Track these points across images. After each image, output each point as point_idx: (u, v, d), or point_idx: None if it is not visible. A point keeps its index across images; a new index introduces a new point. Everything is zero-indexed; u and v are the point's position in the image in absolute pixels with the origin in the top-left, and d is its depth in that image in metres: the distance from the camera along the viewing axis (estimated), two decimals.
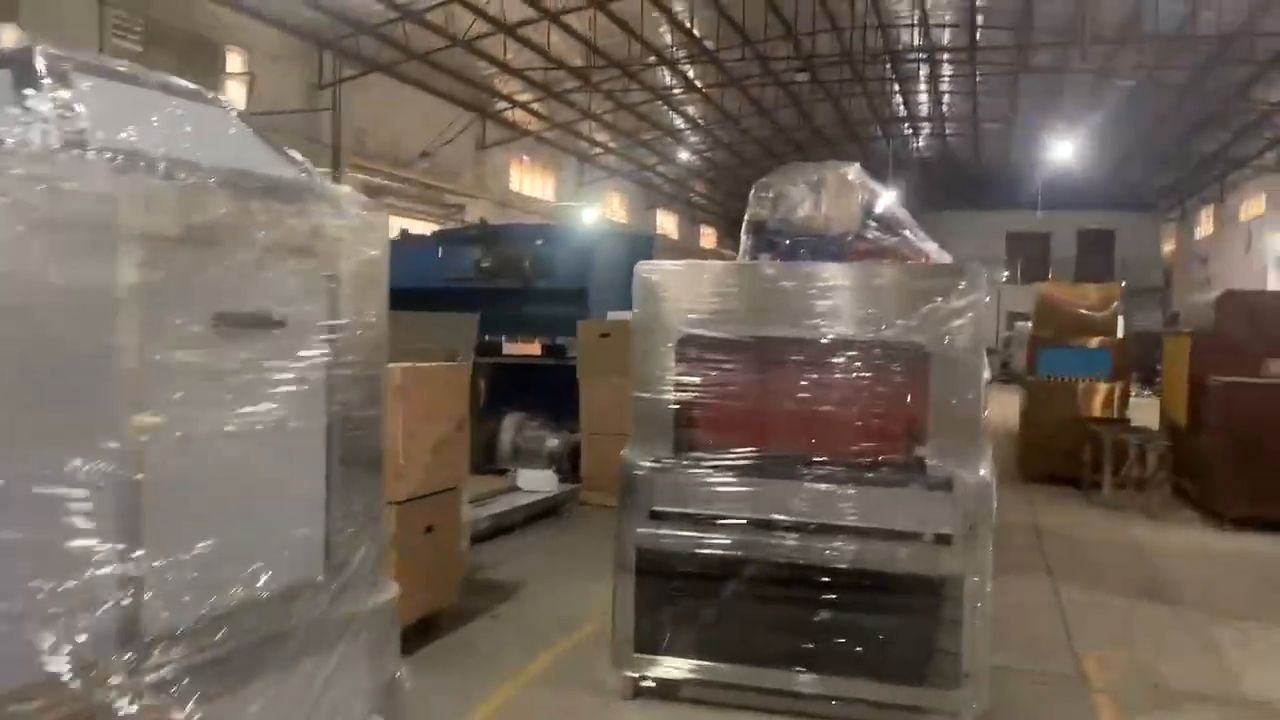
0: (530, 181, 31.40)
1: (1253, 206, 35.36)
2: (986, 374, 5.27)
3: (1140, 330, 30.45)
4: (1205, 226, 42.91)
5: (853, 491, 4.49)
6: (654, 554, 4.72)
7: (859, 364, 4.53)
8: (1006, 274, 45.20)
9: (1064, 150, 29.83)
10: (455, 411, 5.63)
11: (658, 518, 4.71)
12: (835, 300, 4.50)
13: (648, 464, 4.71)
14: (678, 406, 4.70)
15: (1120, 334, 12.69)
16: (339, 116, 20.93)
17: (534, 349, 12.69)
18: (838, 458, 4.56)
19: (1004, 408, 12.58)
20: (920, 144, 42.17)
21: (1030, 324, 13.85)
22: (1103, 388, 11.90)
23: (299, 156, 2.94)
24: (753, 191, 5.78)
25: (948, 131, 39.82)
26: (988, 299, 4.94)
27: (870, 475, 4.49)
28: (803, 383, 4.61)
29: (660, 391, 4.70)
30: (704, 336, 4.67)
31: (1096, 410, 11.86)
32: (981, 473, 4.39)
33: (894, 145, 38.87)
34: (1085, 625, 6.23)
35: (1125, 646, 5.85)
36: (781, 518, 4.56)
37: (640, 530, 4.72)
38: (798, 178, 5.71)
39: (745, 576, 4.80)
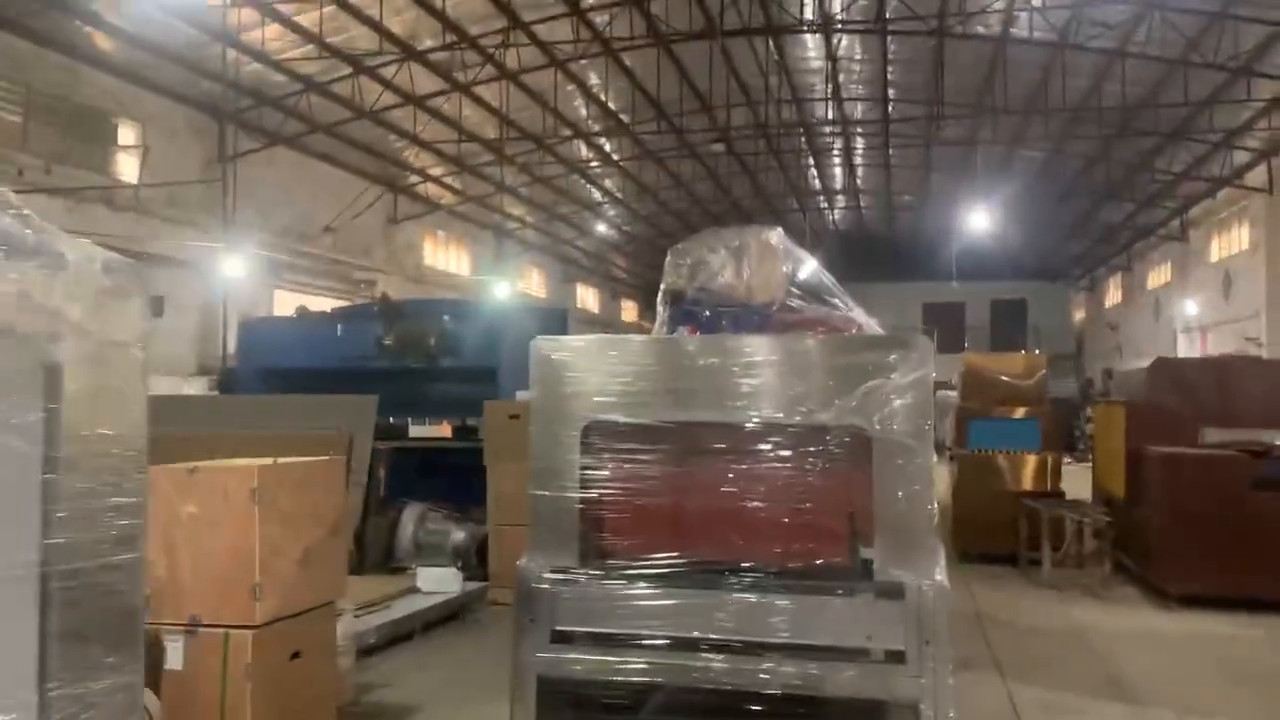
0: (445, 256, 30.74)
1: (1159, 274, 36.27)
2: (933, 456, 4.72)
3: (1057, 398, 30.67)
4: (1114, 295, 44.02)
5: (787, 603, 3.82)
6: (559, 682, 3.98)
7: (791, 452, 3.90)
8: None
9: (976, 221, 30.22)
10: (328, 513, 4.85)
11: (562, 639, 3.98)
12: (762, 378, 3.88)
13: (549, 575, 3.99)
14: (584, 506, 4.01)
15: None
16: (233, 189, 20.06)
17: (443, 431, 11.91)
18: (770, 563, 3.90)
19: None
20: (836, 216, 42.69)
21: (952, 393, 13.52)
22: (1034, 459, 11.50)
23: (11, 199, 2.19)
24: (668, 258, 5.20)
25: (863, 204, 40.38)
26: (933, 374, 4.40)
27: (808, 583, 3.83)
28: (728, 476, 3.96)
29: (563, 489, 4.01)
30: (613, 423, 4.01)
31: (1029, 483, 11.45)
32: (937, 576, 3.76)
33: (810, 218, 39.20)
34: None
35: None
36: (707, 636, 3.87)
37: (541, 655, 3.98)
38: (717, 243, 5.14)
39: (667, 706, 4.10)
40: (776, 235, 5.10)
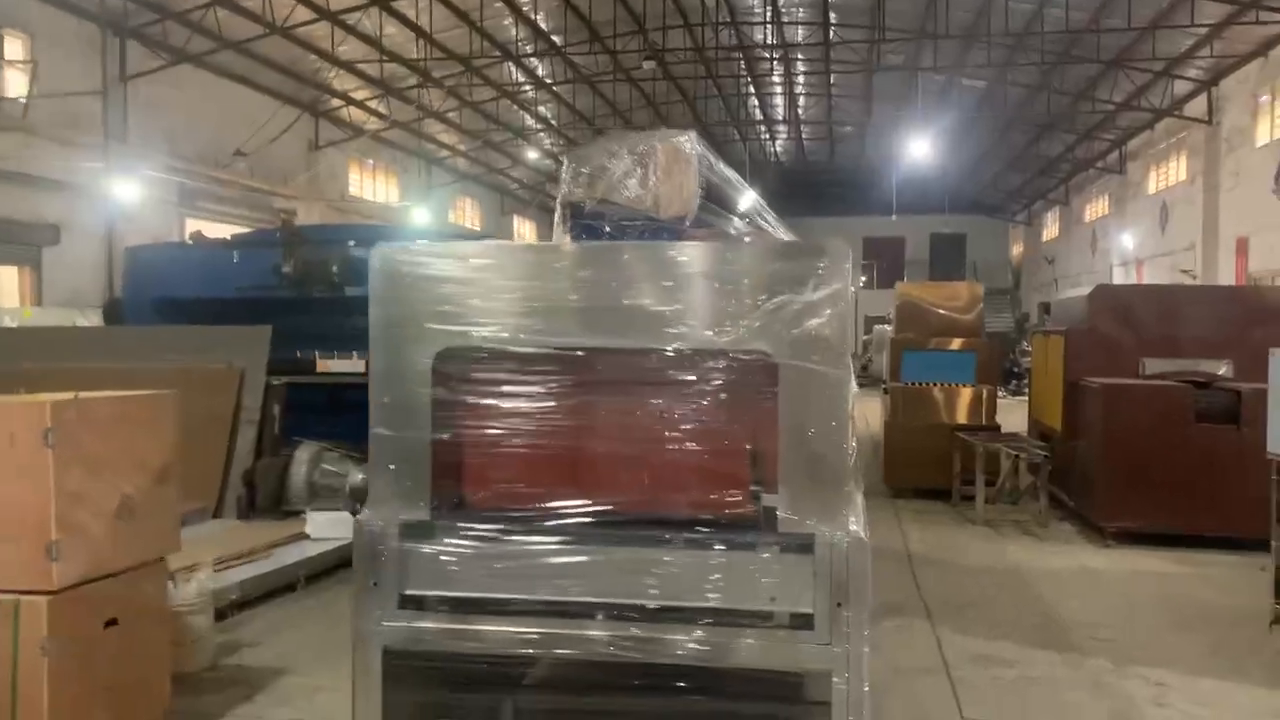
0: (372, 185, 29.53)
1: (1097, 207, 36.21)
2: (853, 386, 4.13)
3: (993, 332, 30.62)
4: (1051, 229, 44.04)
5: (675, 560, 3.23)
6: (410, 656, 3.36)
7: (682, 383, 3.28)
8: (864, 279, 45.55)
9: (917, 151, 29.70)
10: (154, 457, 4.14)
11: (412, 605, 3.36)
12: (647, 294, 3.24)
13: (396, 530, 3.35)
14: (437, 448, 3.35)
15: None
16: (124, 106, 18.76)
17: (355, 365, 11.13)
18: (656, 513, 3.29)
19: (865, 414, 11.69)
20: (777, 148, 41.95)
21: (889, 327, 13.05)
22: (969, 392, 11.08)
23: None
24: (565, 165, 4.51)
25: (804, 135, 39.68)
26: (854, 289, 3.79)
27: (700, 537, 3.23)
28: (608, 411, 3.33)
29: (411, 427, 3.34)
30: (471, 348, 3.34)
31: (964, 416, 11.03)
32: (853, 527, 3.18)
33: (750, 148, 38.45)
34: (977, 690, 5.14)
35: (1025, 717, 4.77)
36: (581, 599, 3.26)
37: (387, 624, 3.36)
38: (621, 149, 4.44)
39: (539, 682, 3.52)
40: (689, 139, 4.41)
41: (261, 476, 8.58)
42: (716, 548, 3.20)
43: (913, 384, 11.26)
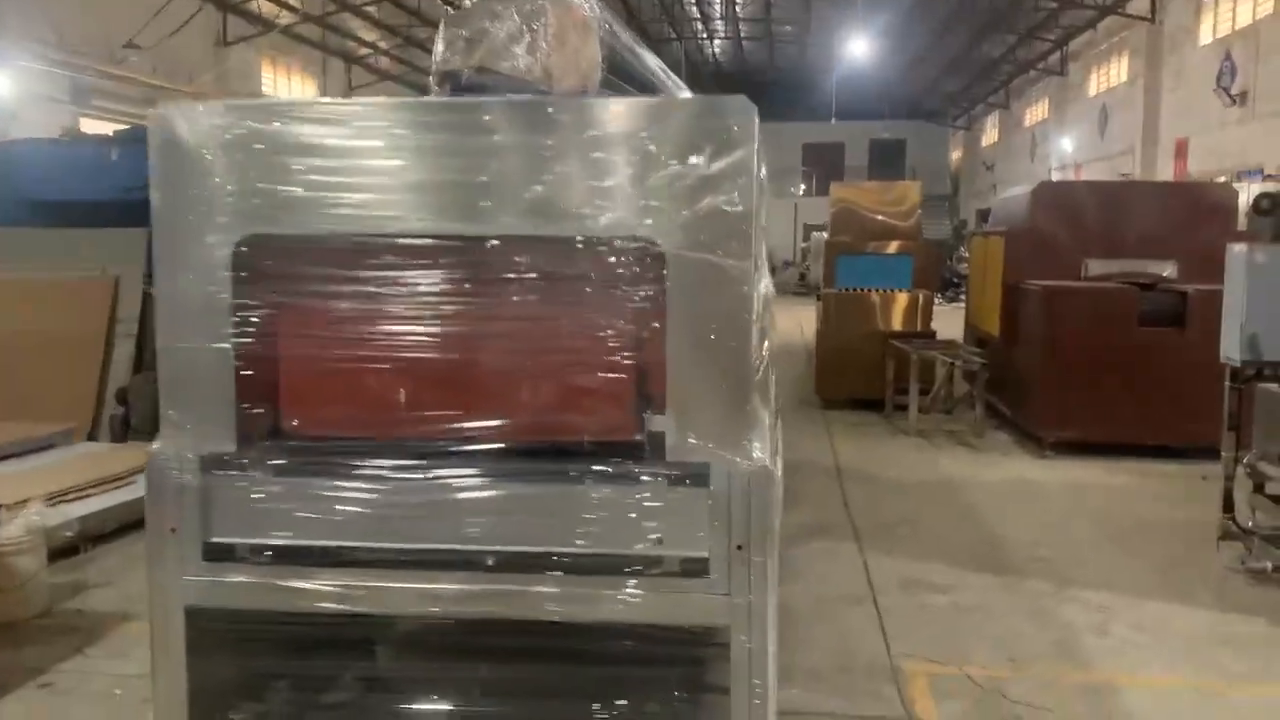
0: (286, 84, 27.98)
1: (1037, 111, 35.81)
2: (766, 286, 3.52)
3: (931, 239, 30.29)
4: (991, 134, 43.67)
5: (539, 496, 2.63)
6: (220, 617, 2.75)
7: (549, 279, 2.63)
8: (804, 186, 45.03)
9: (856, 50, 28.85)
10: None
11: (220, 556, 2.73)
12: (504, 166, 2.56)
13: (195, 464, 2.70)
14: (243, 364, 2.68)
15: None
16: None
17: None
18: (519, 440, 2.67)
19: (803, 323, 11.17)
20: (715, 49, 40.77)
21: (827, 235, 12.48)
22: (904, 298, 10.58)
23: None
24: (441, 29, 3.77)
25: (742, 34, 38.53)
26: (764, 172, 3.15)
27: (573, 467, 2.62)
28: (458, 315, 2.67)
29: (209, 338, 2.67)
30: (282, 236, 2.66)
31: (899, 323, 10.55)
32: (756, 454, 2.60)
33: (688, 48, 37.25)
34: (905, 619, 4.68)
35: (959, 651, 4.32)
36: (430, 545, 2.66)
37: (190, 579, 2.73)
38: (505, 10, 3.71)
39: (382, 647, 2.94)
40: (587, 1, 3.70)
41: (137, 394, 7.81)
42: (589, 481, 2.60)
43: (847, 290, 10.74)
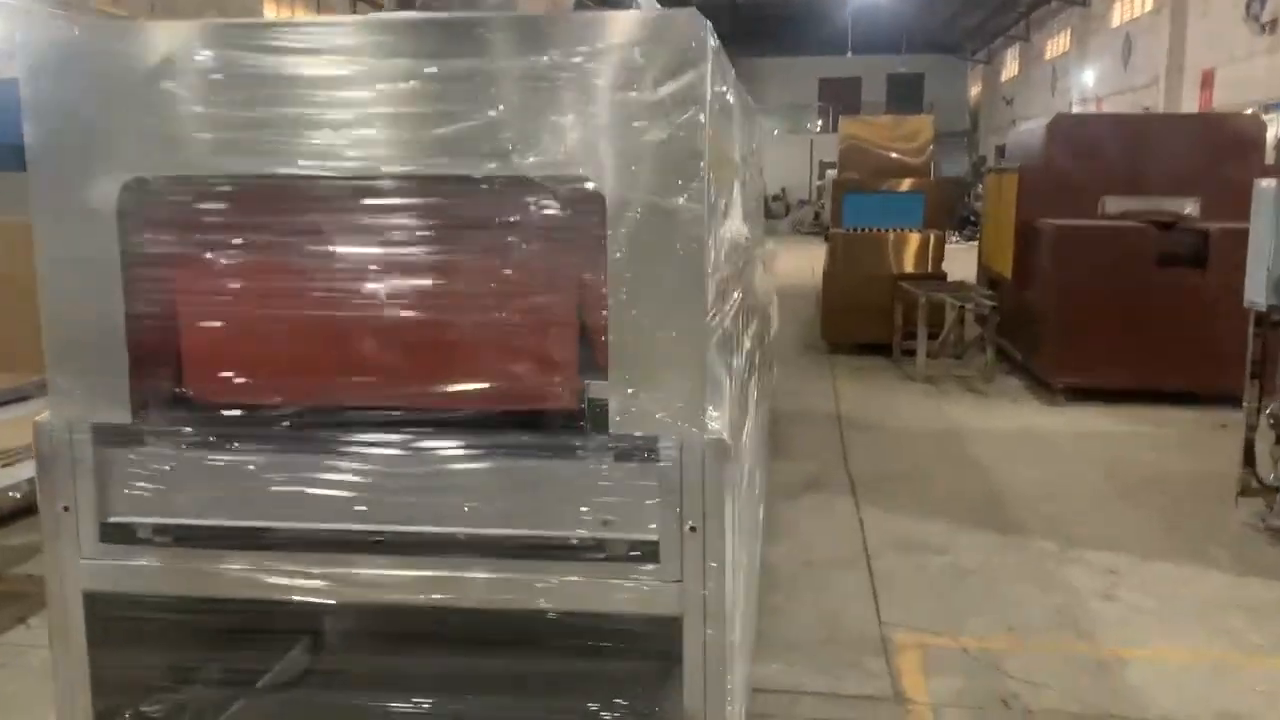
0: (291, 14, 27.33)
1: (1058, 44, 34.83)
2: (741, 230, 3.19)
3: (949, 176, 29.72)
4: (1011, 68, 42.61)
5: (471, 470, 2.34)
6: (125, 604, 2.49)
7: (473, 228, 2.31)
8: (819, 122, 44.18)
9: None
10: None
11: (119, 536, 2.46)
12: (424, 95, 2.23)
13: (87, 436, 2.42)
14: (136, 324, 2.38)
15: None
16: None
17: None
18: (448, 409, 2.38)
19: (815, 264, 10.78)
20: None
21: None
22: (915, 238, 10.18)
23: None
24: None
25: None
26: (727, 89, 2.80)
27: (506, 440, 2.33)
28: (375, 267, 2.36)
29: (96, 293, 2.37)
30: (176, 178, 2.34)
31: (909, 265, 10.17)
32: (712, 424, 2.29)
33: None
34: (900, 584, 4.42)
35: (955, 619, 4.06)
36: (348, 527, 2.38)
37: (87, 561, 2.46)
38: None
39: (304, 636, 2.69)
40: None
41: None
42: (521, 455, 2.31)
43: (855, 230, 10.35)
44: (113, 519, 2.45)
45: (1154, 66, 24.30)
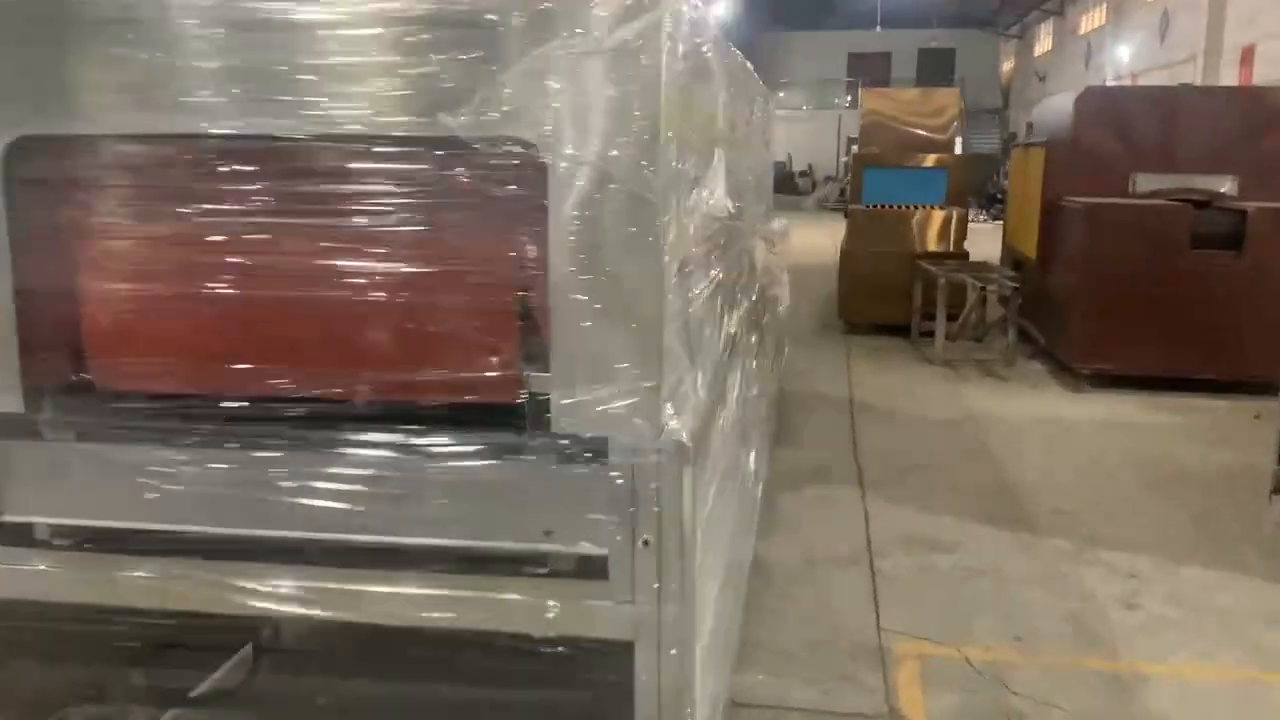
0: None
1: (1093, 17, 33.94)
2: (721, 202, 2.88)
3: (978, 152, 29.13)
4: (1044, 42, 41.64)
5: (397, 472, 2.07)
6: (19, 614, 2.25)
7: (398, 198, 2.03)
8: (849, 98, 43.51)
9: None
10: None
11: (15, 538, 2.21)
12: (340, 46, 1.95)
13: None
14: (27, 302, 2.13)
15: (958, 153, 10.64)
16: None
17: None
18: (366, 402, 2.11)
19: (838, 240, 10.45)
20: None
21: None
22: (937, 216, 9.81)
23: None
24: None
25: None
26: (706, 45, 2.49)
27: (434, 438, 2.05)
28: (288, 243, 2.09)
29: None
30: (65, 138, 2.08)
31: (930, 243, 9.80)
32: (670, 424, 2.01)
33: None
34: (903, 585, 4.12)
35: (960, 626, 3.76)
36: (260, 533, 2.12)
37: None
38: None
39: (217, 654, 2.45)
40: None
41: None
42: (454, 455, 2.04)
43: (875, 206, 9.99)
44: (6, 518, 2.21)
45: (1192, 42, 23.56)
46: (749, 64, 4.40)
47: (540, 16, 1.88)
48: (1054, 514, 4.97)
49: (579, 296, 1.97)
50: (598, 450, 2.01)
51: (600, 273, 1.96)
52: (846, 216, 10.64)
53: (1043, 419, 6.79)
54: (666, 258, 1.99)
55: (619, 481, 2.00)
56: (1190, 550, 4.52)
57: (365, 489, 2.07)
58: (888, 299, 9.58)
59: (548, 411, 2.02)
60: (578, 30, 1.88)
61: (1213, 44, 22.75)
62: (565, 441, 2.01)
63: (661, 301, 1.99)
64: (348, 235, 2.03)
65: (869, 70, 44.61)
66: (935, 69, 45.91)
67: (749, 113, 4.10)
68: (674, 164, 2.05)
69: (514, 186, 1.97)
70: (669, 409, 2.03)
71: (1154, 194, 7.70)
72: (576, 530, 2.05)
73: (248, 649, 2.48)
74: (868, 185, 10.09)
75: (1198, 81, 22.63)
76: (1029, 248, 8.83)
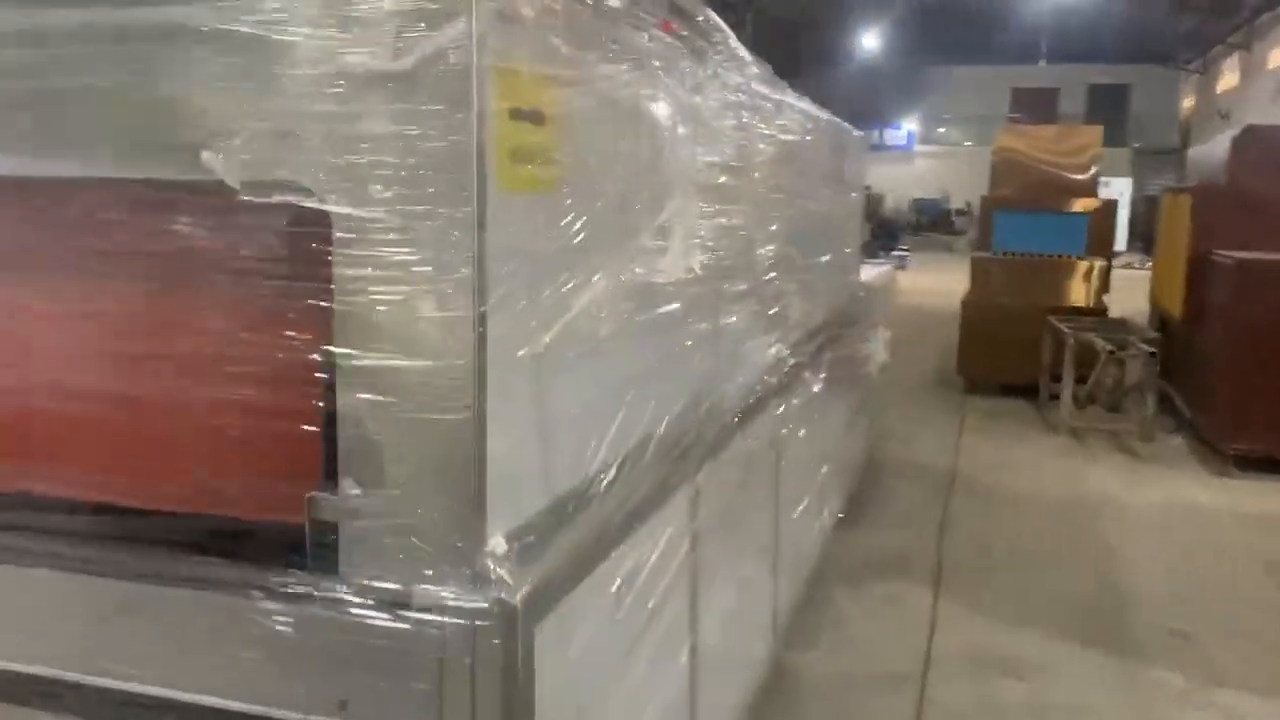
0: None
1: None
2: (673, 265, 2.32)
3: (1150, 195, 27.27)
4: (1229, 78, 38.96)
5: (133, 604, 1.60)
6: None
7: (140, 256, 1.57)
8: None
9: None
10: None
11: None
12: (76, 67, 1.51)
13: None
14: None
15: (1116, 196, 9.67)
16: None
17: None
18: (99, 517, 1.64)
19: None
20: None
21: None
22: (1073, 266, 8.89)
23: None
24: None
25: None
26: (625, 64, 1.95)
27: (185, 568, 1.57)
28: (12, 313, 1.66)
29: None
30: None
31: (1066, 297, 8.88)
32: (500, 570, 1.48)
33: None
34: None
35: None
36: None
37: None
38: None
39: None
40: None
41: None
42: (210, 592, 1.55)
43: (1004, 254, 9.14)
44: None
45: None
46: (808, 101, 3.84)
47: (323, 28, 1.40)
48: (1167, 634, 4.14)
49: (368, 395, 1.46)
50: (397, 604, 1.49)
51: (398, 358, 1.45)
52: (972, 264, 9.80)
53: (1175, 508, 5.86)
54: (495, 345, 1.47)
55: (423, 653, 1.48)
56: None
57: (86, 628, 1.60)
58: (1013, 357, 8.69)
59: (335, 547, 1.51)
60: (363, 42, 1.39)
61: None
62: (356, 589, 1.50)
63: (483, 402, 1.46)
64: (78, 307, 1.58)
65: (1035, 106, 42.68)
66: (1107, 105, 43.56)
67: (804, 152, 3.56)
68: (524, 222, 1.53)
69: (290, 245, 1.48)
70: (500, 558, 1.49)
71: None
72: (381, 706, 1.53)
73: None
74: (998, 230, 9.26)
75: None
76: (1175, 305, 7.83)
